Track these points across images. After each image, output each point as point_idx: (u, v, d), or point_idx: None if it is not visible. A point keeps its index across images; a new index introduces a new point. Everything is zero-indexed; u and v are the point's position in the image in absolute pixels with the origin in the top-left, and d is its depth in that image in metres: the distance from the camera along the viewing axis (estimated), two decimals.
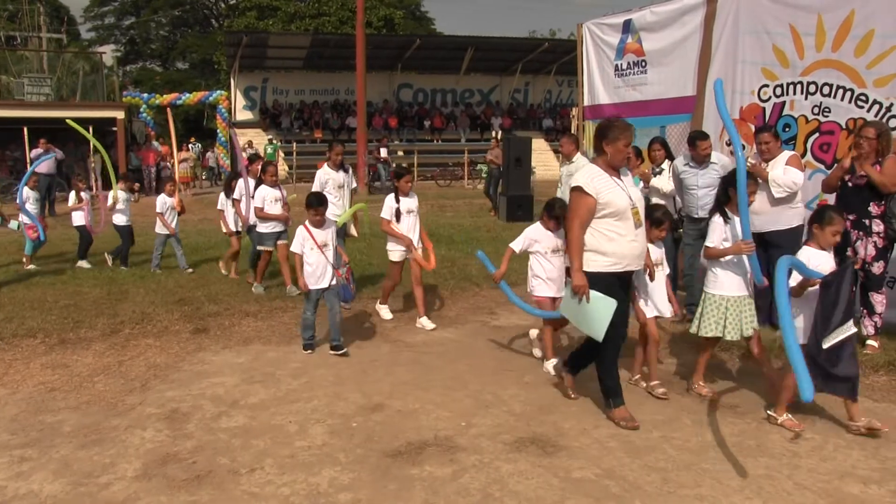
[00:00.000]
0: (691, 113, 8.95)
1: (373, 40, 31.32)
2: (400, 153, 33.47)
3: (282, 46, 34.10)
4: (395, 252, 7.71)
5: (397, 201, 7.58)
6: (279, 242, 8.98)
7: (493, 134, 33.06)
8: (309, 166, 27.48)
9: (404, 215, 7.58)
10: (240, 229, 10.25)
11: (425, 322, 7.70)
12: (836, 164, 6.97)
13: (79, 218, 11.49)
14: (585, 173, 5.07)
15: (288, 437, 4.87)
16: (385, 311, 8.12)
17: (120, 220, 11.38)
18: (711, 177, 7.30)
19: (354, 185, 9.04)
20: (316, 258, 6.64)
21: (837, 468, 4.36)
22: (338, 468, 4.39)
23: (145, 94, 32.47)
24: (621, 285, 5.11)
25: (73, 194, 11.75)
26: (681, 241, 7.93)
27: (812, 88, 7.55)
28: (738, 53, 8.33)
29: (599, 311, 4.92)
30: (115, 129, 25.80)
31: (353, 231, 9.05)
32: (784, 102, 7.85)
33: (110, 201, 11.28)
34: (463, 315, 8.16)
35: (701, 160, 7.43)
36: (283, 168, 29.59)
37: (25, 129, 23.69)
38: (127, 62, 58.37)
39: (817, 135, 7.51)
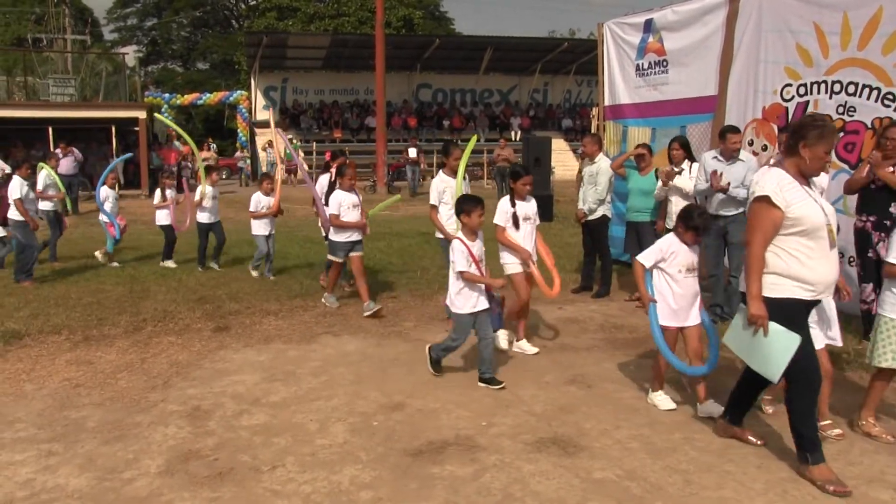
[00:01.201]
0: (713, 113, 8.90)
1: (392, 40, 31.38)
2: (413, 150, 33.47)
3: (301, 47, 34.25)
4: (512, 265, 6.67)
5: (513, 205, 6.63)
6: (353, 254, 8.17)
7: (511, 134, 33.10)
8: (327, 165, 27.55)
9: (521, 222, 6.62)
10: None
11: (525, 346, 6.81)
12: (859, 165, 6.92)
13: (163, 217, 11.39)
14: (772, 180, 4.18)
15: (309, 435, 4.88)
16: (527, 346, 6.80)
17: (204, 217, 10.98)
18: (738, 172, 7.28)
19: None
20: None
21: (864, 473, 4.31)
22: (359, 466, 4.40)
23: (167, 95, 32.76)
24: (808, 317, 4.33)
25: (158, 192, 11.56)
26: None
27: (837, 87, 7.48)
28: (760, 52, 8.27)
29: (779, 348, 4.15)
30: (137, 128, 25.99)
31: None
32: (808, 102, 7.78)
33: (198, 196, 10.92)
34: None
35: (729, 154, 7.42)
36: (305, 166, 29.75)
37: (50, 129, 23.97)
38: (149, 63, 58.84)
39: (842, 134, 7.43)
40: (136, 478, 4.27)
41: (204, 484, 4.19)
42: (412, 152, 26.49)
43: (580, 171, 9.56)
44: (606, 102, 11.02)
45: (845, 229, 6.98)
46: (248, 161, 31.95)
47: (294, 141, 30.44)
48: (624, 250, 9.31)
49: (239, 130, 34.18)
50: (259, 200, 10.22)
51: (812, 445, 4.20)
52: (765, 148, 8.24)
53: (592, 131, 14.75)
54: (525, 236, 6.61)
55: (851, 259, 7.18)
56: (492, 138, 34.63)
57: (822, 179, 6.64)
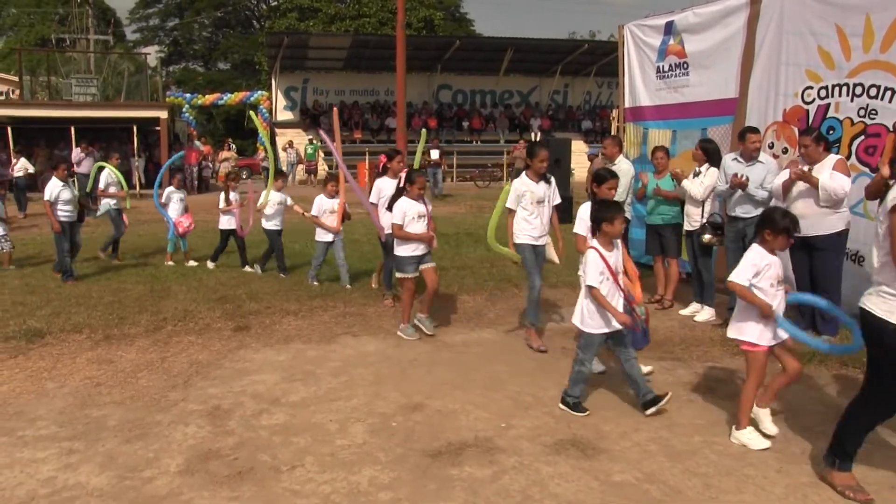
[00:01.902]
0: (733, 115, 8.84)
1: (413, 41, 31.42)
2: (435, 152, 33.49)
3: (322, 47, 34.35)
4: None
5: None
6: (424, 266, 7.27)
7: (531, 135, 33.03)
8: (349, 166, 27.61)
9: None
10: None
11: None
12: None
13: (226, 222, 10.92)
14: None
15: (328, 435, 4.90)
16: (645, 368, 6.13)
17: (270, 223, 10.35)
18: (758, 173, 7.26)
19: (558, 199, 7.20)
20: (608, 290, 5.19)
21: (887, 479, 4.27)
22: (378, 467, 4.41)
23: (188, 95, 32.95)
24: None
25: (222, 196, 10.99)
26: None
27: (858, 90, 7.40)
28: (781, 55, 8.20)
29: None
30: (158, 128, 26.19)
31: (553, 256, 7.26)
32: (828, 105, 7.71)
33: (262, 200, 10.33)
34: (502, 316, 8.14)
35: (749, 155, 7.41)
36: (322, 168, 29.87)
37: (72, 129, 24.19)
38: (170, 63, 59.26)
39: (863, 137, 7.36)
40: (157, 476, 4.30)
41: (223, 483, 4.22)
42: (434, 154, 24.98)
43: (590, 172, 9.53)
44: (626, 104, 10.98)
45: (865, 233, 6.93)
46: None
47: (315, 141, 30.54)
48: (645, 252, 9.27)
49: (259, 130, 34.31)
50: (322, 204, 9.47)
51: (845, 455, 4.13)
52: (785, 151, 8.18)
53: (612, 133, 14.69)
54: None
55: (862, 258, 7.19)
56: (512, 139, 34.59)
57: (844, 182, 6.60)
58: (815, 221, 6.69)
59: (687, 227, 8.14)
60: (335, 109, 8.86)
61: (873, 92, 7.25)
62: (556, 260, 7.22)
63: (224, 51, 57.39)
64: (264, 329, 7.60)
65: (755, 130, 7.55)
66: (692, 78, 9.63)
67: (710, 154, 8.09)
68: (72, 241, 10.26)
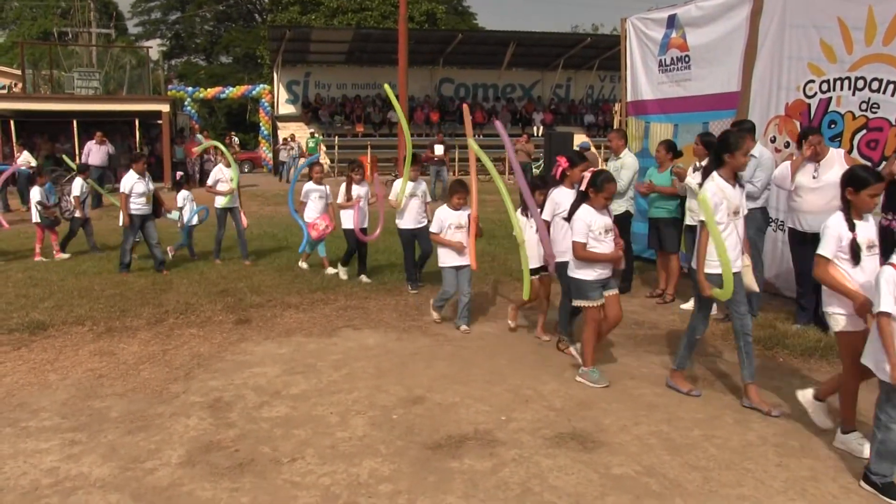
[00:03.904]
0: (735, 109, 8.83)
1: (415, 35, 31.39)
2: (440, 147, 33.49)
3: (324, 41, 34.31)
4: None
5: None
6: (608, 293, 5.89)
7: (534, 129, 33.01)
8: (349, 161, 27.60)
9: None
10: None
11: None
12: (884, 162, 6.84)
13: (347, 220, 9.28)
14: None
15: (329, 427, 4.91)
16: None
17: (404, 223, 8.79)
18: (749, 167, 7.25)
19: (745, 208, 6.15)
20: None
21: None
22: (378, 459, 4.43)
23: (190, 88, 32.96)
24: None
25: (342, 189, 9.36)
26: None
27: (860, 84, 7.40)
28: (784, 49, 8.20)
29: None
30: (160, 122, 26.20)
31: (752, 283, 5.85)
32: (830, 98, 7.71)
33: (395, 194, 8.72)
34: (503, 309, 8.15)
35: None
36: (325, 161, 29.88)
37: (75, 122, 24.20)
38: (172, 56, 59.22)
39: (864, 131, 7.36)
40: (158, 468, 4.32)
41: (224, 475, 4.24)
42: (438, 149, 22.52)
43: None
44: (629, 98, 10.98)
45: None
46: (268, 152, 32.06)
47: (316, 135, 30.54)
48: (648, 246, 9.28)
49: (261, 124, 34.35)
50: (445, 218, 7.30)
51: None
52: (787, 145, 8.18)
53: (615, 127, 14.67)
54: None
55: None
56: (514, 133, 34.51)
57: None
58: (825, 218, 6.58)
59: (688, 221, 8.13)
60: (465, 106, 7.30)
61: (875, 85, 7.25)
62: (756, 287, 5.67)
63: (226, 44, 57.32)
64: (265, 322, 7.61)
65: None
66: (694, 71, 9.63)
67: (710, 147, 8.08)
68: (144, 234, 10.14)
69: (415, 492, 4.04)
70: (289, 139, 30.01)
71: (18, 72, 30.19)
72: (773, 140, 8.29)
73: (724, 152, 5.31)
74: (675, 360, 5.69)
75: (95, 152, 20.19)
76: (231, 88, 34.24)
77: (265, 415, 5.14)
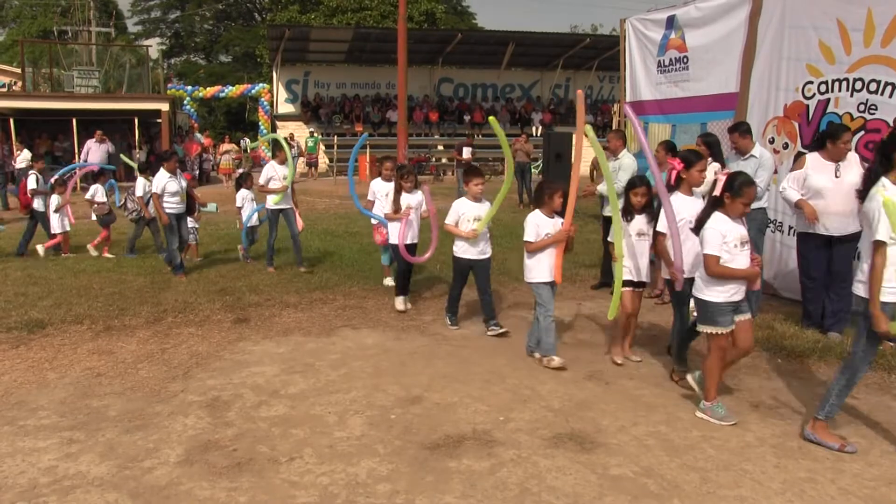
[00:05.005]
0: (734, 110, 8.84)
1: (414, 34, 31.35)
2: (440, 147, 33.52)
3: (324, 40, 34.28)
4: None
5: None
6: (740, 318, 5.07)
7: (533, 129, 33.01)
8: (400, 165, 27.57)
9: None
10: None
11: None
12: None
13: (393, 234, 8.04)
14: None
15: (327, 427, 4.91)
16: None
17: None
18: (750, 167, 7.25)
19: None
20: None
21: (884, 475, 4.28)
22: (376, 459, 4.43)
23: (189, 87, 32.91)
24: None
25: (388, 196, 8.25)
26: None
27: (858, 85, 7.41)
28: (782, 49, 8.21)
29: None
30: (159, 120, 26.18)
31: None
32: (828, 100, 7.71)
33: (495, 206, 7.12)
34: (502, 310, 8.15)
35: (744, 150, 7.38)
36: (323, 161, 29.88)
37: (74, 121, 24.18)
38: (172, 55, 59.24)
39: (863, 133, 7.37)
40: (156, 467, 4.32)
41: (222, 474, 4.24)
42: (466, 153, 20.37)
43: (592, 166, 9.51)
44: (628, 99, 10.99)
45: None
46: (267, 151, 31.93)
47: (315, 134, 30.53)
48: None
49: (260, 123, 34.33)
50: (541, 224, 6.32)
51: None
52: (786, 146, 8.19)
53: (614, 127, 14.67)
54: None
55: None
56: (513, 133, 34.52)
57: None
58: (853, 220, 6.49)
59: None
60: (580, 92, 6.22)
61: (873, 87, 7.26)
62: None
63: (225, 43, 57.34)
64: (264, 321, 7.61)
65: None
66: (692, 72, 9.64)
67: (712, 147, 8.10)
68: (178, 233, 9.93)
69: (413, 491, 4.04)
70: (288, 139, 30.01)
71: (18, 70, 30.17)
72: (772, 141, 8.30)
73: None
74: (819, 408, 4.74)
75: (95, 150, 20.21)
76: (230, 87, 34.18)
77: (263, 414, 5.14)
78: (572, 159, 6.00)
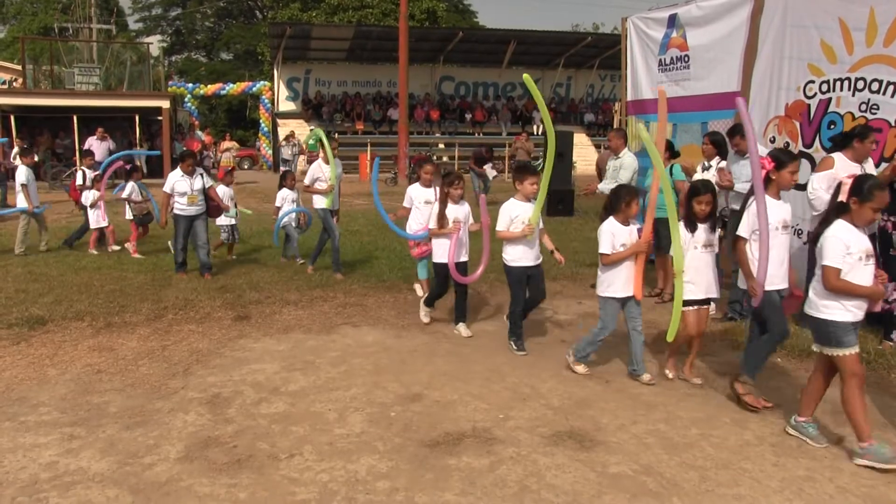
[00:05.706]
0: (735, 109, 8.82)
1: (415, 33, 31.40)
2: (441, 146, 33.53)
3: (325, 38, 34.32)
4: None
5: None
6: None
7: (534, 128, 33.02)
8: (350, 157, 27.64)
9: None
10: None
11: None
12: (884, 164, 6.86)
13: (440, 251, 7.12)
14: None
15: (327, 424, 4.92)
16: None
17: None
18: (748, 170, 7.26)
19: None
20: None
21: (883, 473, 4.28)
22: (376, 456, 4.44)
23: (190, 84, 32.96)
24: None
25: (429, 207, 7.49)
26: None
27: (860, 85, 7.40)
28: (784, 48, 8.19)
29: None
30: (160, 117, 26.20)
31: None
32: (830, 99, 7.71)
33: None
34: (502, 308, 8.14)
35: (745, 151, 7.41)
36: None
37: (75, 118, 24.20)
38: (173, 52, 59.25)
39: None
40: (157, 463, 4.33)
41: (222, 470, 4.25)
42: (490, 172, 18.47)
43: (597, 164, 9.51)
44: (629, 97, 10.99)
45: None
46: (269, 149, 31.99)
47: (314, 129, 30.52)
48: None
49: (261, 121, 34.35)
50: (615, 232, 5.79)
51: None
52: (787, 145, 8.18)
53: (615, 126, 14.67)
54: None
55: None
56: (514, 132, 34.53)
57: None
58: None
59: None
60: (661, 89, 5.85)
61: (875, 86, 7.25)
62: None
63: (226, 41, 57.33)
64: (264, 318, 7.62)
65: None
66: (693, 71, 9.63)
67: (719, 146, 8.12)
68: (192, 234, 9.54)
69: (412, 489, 4.05)
70: (290, 136, 30.00)
71: (19, 67, 30.21)
72: (773, 141, 8.29)
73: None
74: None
75: (96, 148, 20.22)
76: (231, 85, 34.26)
77: (263, 411, 5.14)
78: (655, 160, 5.52)
